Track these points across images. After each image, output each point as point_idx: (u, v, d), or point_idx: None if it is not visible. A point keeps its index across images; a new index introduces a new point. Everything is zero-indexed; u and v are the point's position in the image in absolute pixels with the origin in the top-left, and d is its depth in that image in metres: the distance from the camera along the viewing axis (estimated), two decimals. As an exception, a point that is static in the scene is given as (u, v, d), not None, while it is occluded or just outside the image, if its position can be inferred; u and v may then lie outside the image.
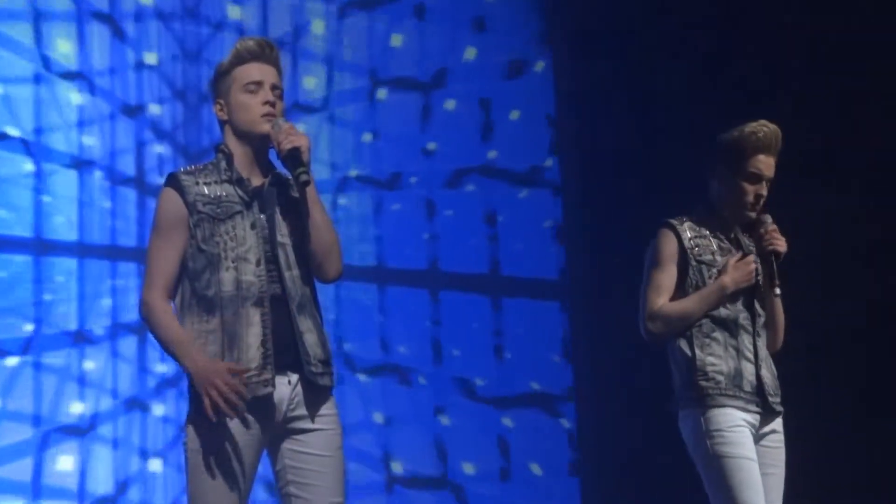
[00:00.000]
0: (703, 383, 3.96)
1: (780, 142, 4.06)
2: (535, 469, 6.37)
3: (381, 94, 6.37)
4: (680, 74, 6.33)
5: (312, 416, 3.44)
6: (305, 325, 3.46)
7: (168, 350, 3.42)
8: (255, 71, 3.53)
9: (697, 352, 4.00)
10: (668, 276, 4.04)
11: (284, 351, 3.42)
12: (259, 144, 3.54)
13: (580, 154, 6.59)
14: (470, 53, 6.55)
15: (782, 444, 4.04)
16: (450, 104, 6.48)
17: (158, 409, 5.64)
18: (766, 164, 4.04)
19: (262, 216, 3.49)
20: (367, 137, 6.33)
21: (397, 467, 6.14)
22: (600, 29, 6.54)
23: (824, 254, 6.00)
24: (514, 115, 6.61)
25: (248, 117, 3.51)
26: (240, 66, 3.53)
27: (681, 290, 4.05)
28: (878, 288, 6.11)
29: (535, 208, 6.54)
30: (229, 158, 3.52)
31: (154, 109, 5.88)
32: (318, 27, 6.28)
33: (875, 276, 6.12)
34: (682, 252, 4.05)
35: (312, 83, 6.22)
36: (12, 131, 5.59)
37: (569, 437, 6.44)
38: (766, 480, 3.96)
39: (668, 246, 4.05)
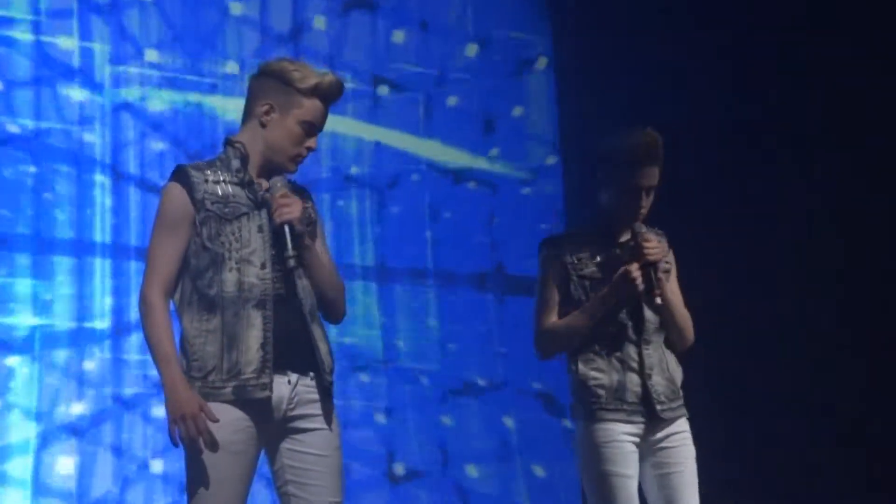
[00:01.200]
0: (586, 398, 3.97)
1: (660, 150, 3.97)
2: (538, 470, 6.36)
3: (383, 90, 6.36)
4: (686, 71, 6.33)
5: (313, 417, 3.43)
6: (318, 334, 3.47)
7: (153, 358, 3.38)
8: (321, 115, 3.50)
9: (581, 366, 4.00)
10: (554, 294, 4.02)
11: (288, 352, 3.41)
12: (273, 165, 3.51)
13: (584, 152, 6.47)
14: (471, 51, 6.54)
15: (687, 443, 4.01)
16: (452, 100, 6.47)
17: (159, 410, 5.54)
18: (644, 174, 3.95)
19: (270, 219, 3.44)
20: (369, 136, 6.31)
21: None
22: (605, 25, 6.55)
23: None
24: (518, 111, 6.61)
25: (288, 151, 3.48)
26: (315, 99, 3.48)
27: (565, 306, 4.03)
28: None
29: (536, 208, 6.53)
30: (244, 158, 3.48)
31: (155, 104, 5.86)
32: (319, 23, 6.26)
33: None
34: (563, 268, 4.01)
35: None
36: (12, 128, 5.57)
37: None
38: (675, 479, 3.97)
39: (550, 264, 4.04)
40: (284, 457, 3.42)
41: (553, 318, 4.01)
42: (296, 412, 3.42)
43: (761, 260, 6.23)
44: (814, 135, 6.27)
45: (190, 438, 3.28)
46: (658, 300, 3.94)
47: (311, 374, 3.45)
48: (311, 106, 3.46)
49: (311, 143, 3.48)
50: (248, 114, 3.52)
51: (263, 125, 3.46)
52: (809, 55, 6.27)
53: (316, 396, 3.44)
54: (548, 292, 4.03)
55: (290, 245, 3.39)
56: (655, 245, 3.96)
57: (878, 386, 6.06)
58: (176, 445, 3.32)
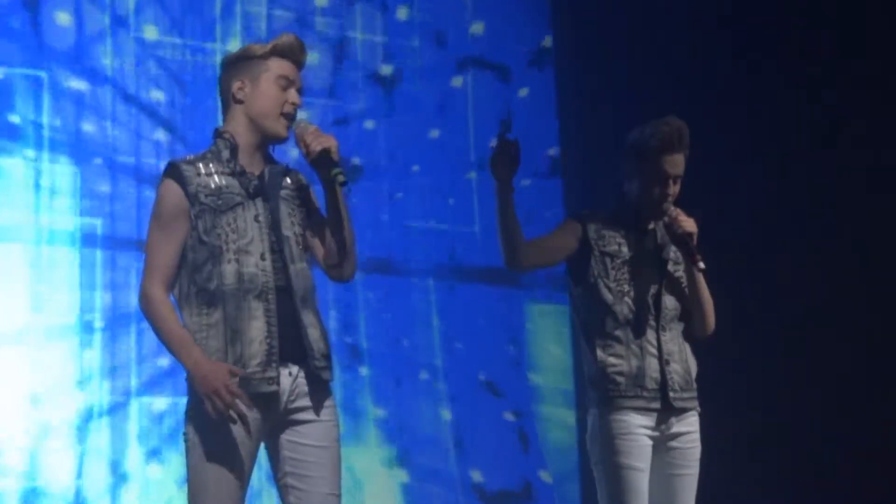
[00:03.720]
0: (604, 385, 3.97)
1: (685, 138, 4.01)
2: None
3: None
4: (687, 65, 6.38)
5: (312, 407, 3.45)
6: (308, 319, 3.47)
7: (168, 346, 3.39)
8: (291, 70, 3.53)
9: (599, 352, 4.00)
10: (547, 236, 4.06)
11: (287, 343, 3.42)
12: (267, 141, 3.53)
13: (584, 146, 6.61)
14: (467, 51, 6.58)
15: (696, 444, 4.04)
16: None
17: (158, 403, 5.63)
18: (670, 162, 3.99)
19: (265, 207, 3.48)
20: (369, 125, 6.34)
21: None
22: (605, 21, 6.59)
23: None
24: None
25: (271, 110, 3.50)
26: (278, 59, 3.52)
27: (584, 281, 4.04)
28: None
29: (537, 199, 6.52)
30: (233, 148, 3.49)
31: (155, 96, 5.86)
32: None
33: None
34: (586, 241, 4.03)
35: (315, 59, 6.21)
36: (13, 118, 5.58)
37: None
38: (679, 481, 4.00)
39: (566, 224, 4.09)
40: (284, 449, 3.44)
41: (535, 247, 4.01)
42: (296, 404, 3.43)
43: (767, 259, 6.25)
44: (818, 131, 6.29)
45: (226, 406, 3.27)
46: (701, 265, 3.95)
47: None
48: (277, 64, 3.51)
49: (291, 97, 3.51)
50: (225, 103, 3.56)
51: (242, 101, 3.50)
52: (811, 53, 6.31)
53: (315, 387, 3.46)
54: (548, 234, 4.08)
55: (333, 164, 3.42)
56: (687, 219, 4.00)
57: (890, 385, 6.08)
58: (215, 419, 3.30)
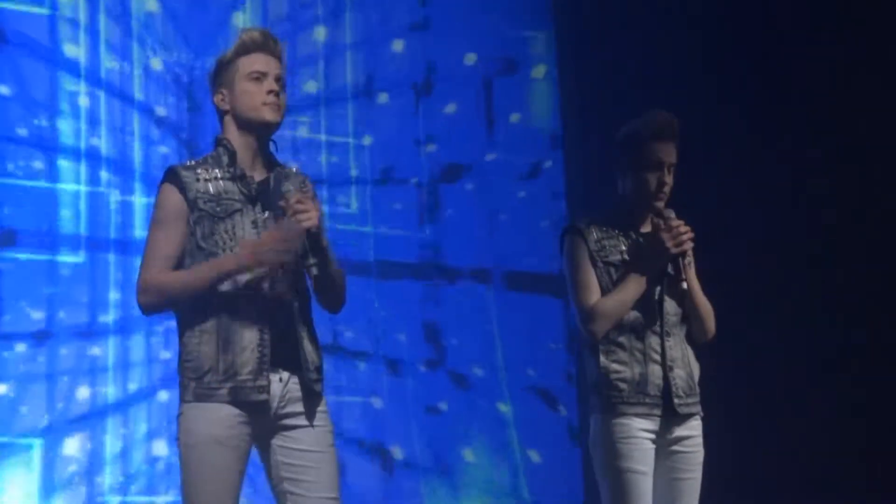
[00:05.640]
0: (606, 391, 3.94)
1: (675, 128, 4.00)
2: (534, 456, 6.36)
3: (382, 97, 6.37)
4: (686, 68, 6.34)
5: (303, 413, 3.44)
6: (303, 331, 3.46)
7: (205, 284, 3.36)
8: (260, 61, 3.51)
9: (602, 358, 3.96)
10: (590, 276, 3.97)
11: (280, 352, 3.41)
12: (261, 134, 3.52)
13: (584, 151, 6.57)
14: (470, 58, 6.56)
15: (699, 448, 4.01)
16: (450, 107, 6.47)
17: (163, 396, 5.63)
18: (664, 150, 3.97)
19: (264, 215, 3.46)
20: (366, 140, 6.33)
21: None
22: (607, 22, 6.56)
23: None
24: (515, 117, 6.61)
25: (251, 104, 3.47)
26: (245, 56, 3.51)
27: None
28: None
29: (535, 205, 6.51)
30: (232, 154, 3.48)
31: (160, 109, 5.88)
32: (318, 32, 6.28)
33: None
34: (590, 254, 3.99)
35: (311, 86, 6.22)
36: (21, 130, 5.61)
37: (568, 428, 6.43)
38: (682, 486, 3.97)
39: (578, 250, 4.02)
40: (278, 454, 3.43)
41: (597, 297, 3.96)
42: (287, 409, 3.43)
43: (769, 261, 6.20)
44: (821, 131, 6.25)
45: (286, 244, 3.32)
46: (683, 285, 3.94)
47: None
48: (246, 61, 3.51)
49: (269, 86, 3.49)
50: (219, 118, 3.58)
51: (228, 110, 3.52)
52: (811, 54, 6.28)
53: (306, 395, 3.44)
54: (585, 275, 3.99)
55: (311, 253, 3.39)
56: (686, 233, 3.96)
57: (889, 388, 6.02)
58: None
